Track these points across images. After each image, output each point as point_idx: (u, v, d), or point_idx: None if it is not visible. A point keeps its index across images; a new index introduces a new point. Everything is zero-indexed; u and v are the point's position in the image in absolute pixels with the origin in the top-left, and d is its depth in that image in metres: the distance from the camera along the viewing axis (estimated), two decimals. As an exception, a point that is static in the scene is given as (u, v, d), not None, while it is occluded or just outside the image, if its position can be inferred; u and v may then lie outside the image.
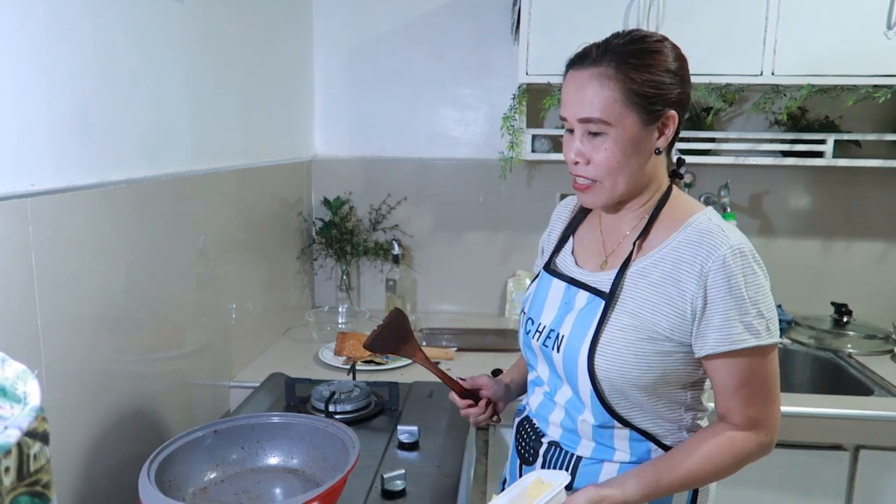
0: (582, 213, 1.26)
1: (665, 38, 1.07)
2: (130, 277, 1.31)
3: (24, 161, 1.04)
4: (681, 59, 1.08)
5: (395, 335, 1.30)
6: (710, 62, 1.94)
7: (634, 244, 1.10)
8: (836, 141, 2.08)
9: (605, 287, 1.10)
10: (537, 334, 1.17)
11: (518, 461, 1.25)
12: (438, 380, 1.30)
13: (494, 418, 1.35)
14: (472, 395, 1.32)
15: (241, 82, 1.85)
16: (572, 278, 1.16)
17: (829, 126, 2.20)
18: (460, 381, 1.33)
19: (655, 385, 1.06)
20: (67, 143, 1.14)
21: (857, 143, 2.15)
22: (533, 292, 1.24)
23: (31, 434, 0.48)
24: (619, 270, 1.09)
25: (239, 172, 1.83)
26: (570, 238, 1.24)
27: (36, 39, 1.06)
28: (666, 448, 1.10)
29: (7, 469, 0.44)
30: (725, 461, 1.05)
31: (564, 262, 1.22)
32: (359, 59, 2.42)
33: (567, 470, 1.14)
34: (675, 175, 1.17)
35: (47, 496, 0.49)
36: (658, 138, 1.07)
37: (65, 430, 1.12)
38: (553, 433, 1.18)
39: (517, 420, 1.29)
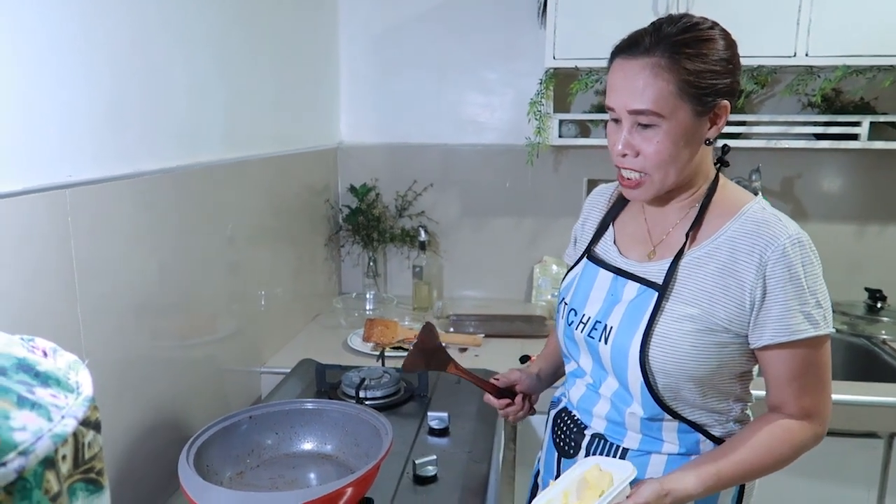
0: (622, 201, 1.23)
1: (716, 25, 1.04)
2: (164, 265, 1.33)
3: (63, 152, 1.06)
4: (732, 46, 1.04)
5: (427, 352, 1.31)
6: (741, 43, 1.86)
7: (687, 235, 1.08)
8: (871, 123, 2.03)
9: (657, 278, 1.08)
10: (581, 325, 1.15)
11: (556, 454, 1.23)
12: (467, 366, 1.31)
13: (532, 412, 1.35)
14: (507, 392, 1.31)
15: (269, 70, 1.86)
16: (620, 269, 1.14)
17: (864, 108, 2.14)
18: (494, 381, 1.31)
19: (710, 376, 1.05)
20: (104, 134, 1.16)
21: (893, 125, 2.10)
22: (575, 282, 1.20)
23: (85, 423, 0.49)
24: (672, 261, 1.07)
25: (267, 160, 1.85)
26: (611, 227, 1.21)
27: (75, 33, 1.07)
28: (714, 439, 1.09)
29: (64, 457, 0.45)
30: (784, 452, 1.04)
31: (607, 251, 1.19)
32: (384, 45, 2.42)
33: None
34: (721, 163, 1.13)
35: (101, 483, 0.51)
36: (709, 129, 1.04)
37: (105, 418, 1.14)
38: (597, 425, 1.16)
39: (553, 413, 1.28)
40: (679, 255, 1.07)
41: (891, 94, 2.09)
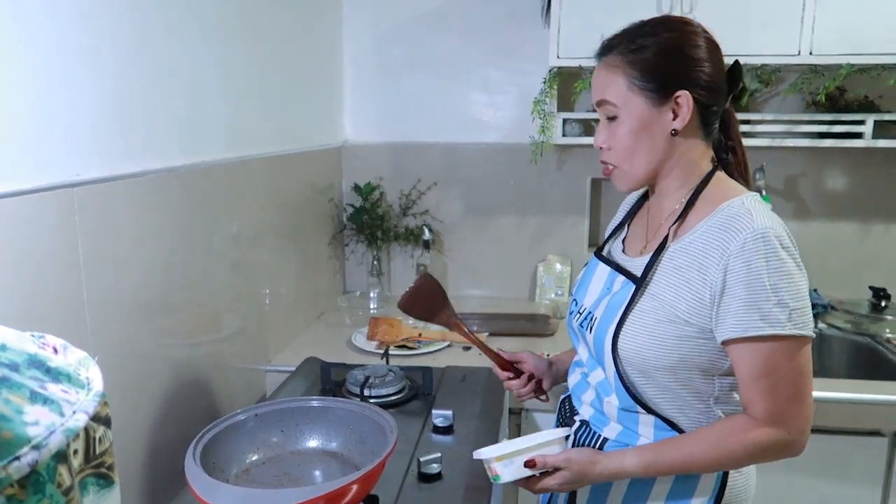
0: (641, 200, 1.28)
1: (688, 21, 1.10)
2: (170, 264, 1.34)
3: (70, 151, 1.07)
4: (690, 37, 1.07)
5: (427, 300, 1.31)
6: (745, 42, 1.90)
7: (670, 229, 1.10)
8: (875, 121, 2.03)
9: (639, 271, 1.12)
10: (578, 315, 1.21)
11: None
12: (471, 364, 1.31)
13: (542, 397, 1.37)
14: (512, 368, 1.35)
15: (273, 69, 1.87)
16: (615, 263, 1.19)
17: (868, 106, 2.14)
18: (500, 353, 1.34)
19: (675, 369, 1.05)
20: (110, 134, 1.16)
21: (897, 123, 2.09)
22: (582, 275, 1.28)
23: (95, 418, 0.49)
24: (652, 255, 1.10)
25: (271, 159, 1.85)
26: (626, 225, 1.28)
27: (80, 34, 1.08)
28: None
29: (76, 452, 0.46)
30: (734, 449, 1.03)
31: (614, 247, 1.26)
32: (388, 43, 2.42)
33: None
34: (718, 161, 1.15)
35: (112, 478, 0.51)
36: (673, 119, 1.07)
37: (112, 415, 1.15)
38: (585, 413, 1.20)
39: (562, 397, 1.32)
40: (661, 249, 1.10)
41: (895, 92, 2.09)
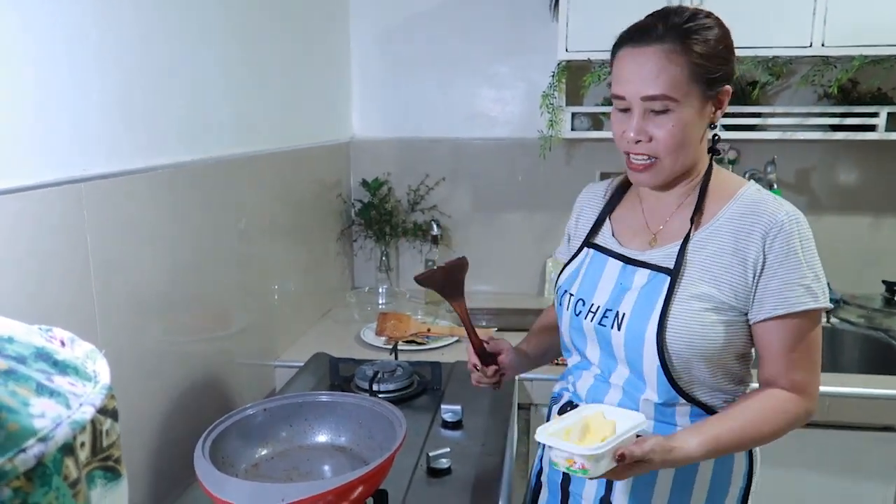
0: (617, 197, 1.25)
1: (712, 14, 1.08)
2: (177, 259, 1.34)
3: (77, 147, 1.07)
4: (728, 33, 1.09)
5: (448, 280, 1.28)
6: (756, 34, 1.88)
7: (692, 220, 1.10)
8: (889, 114, 2.00)
9: (667, 263, 1.10)
10: (591, 315, 1.15)
11: None
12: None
13: (497, 386, 1.32)
14: (489, 357, 1.29)
15: (279, 65, 1.87)
16: (629, 257, 1.15)
17: (881, 98, 2.11)
18: (485, 343, 1.29)
19: (719, 356, 1.08)
20: (118, 129, 1.16)
21: (911, 115, 2.07)
22: (581, 272, 1.21)
23: (102, 411, 0.49)
24: (681, 246, 1.09)
25: (279, 155, 1.85)
26: (607, 221, 1.24)
27: (87, 30, 1.08)
28: None
29: (82, 444, 0.46)
30: (778, 422, 1.06)
31: (607, 242, 1.21)
32: (395, 39, 2.41)
33: None
34: (713, 152, 1.16)
35: (119, 471, 0.51)
36: (714, 112, 1.08)
37: (120, 410, 1.15)
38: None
39: (555, 408, 1.27)
40: (686, 240, 1.10)
41: (909, 84, 2.06)
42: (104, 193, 1.11)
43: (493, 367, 1.28)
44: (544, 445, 1.30)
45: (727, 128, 2.09)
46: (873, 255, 2.29)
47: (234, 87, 1.59)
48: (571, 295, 1.20)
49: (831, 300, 2.21)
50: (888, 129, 2.01)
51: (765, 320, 1.05)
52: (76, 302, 1.05)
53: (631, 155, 1.09)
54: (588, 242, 1.23)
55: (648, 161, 1.08)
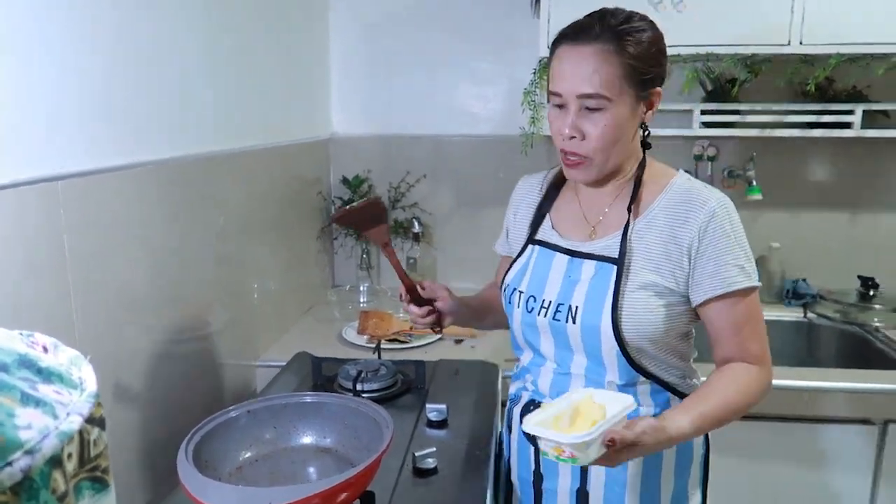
0: (554, 190, 1.28)
1: (646, 17, 1.12)
2: (156, 258, 1.31)
3: (53, 144, 1.04)
4: (662, 36, 1.12)
5: (366, 218, 1.29)
6: (735, 32, 1.90)
7: (630, 210, 1.14)
8: (864, 111, 2.04)
9: (612, 252, 1.14)
10: (543, 310, 1.18)
11: (531, 448, 1.25)
12: (464, 357, 1.30)
13: (436, 328, 1.35)
14: (423, 301, 1.31)
15: (259, 61, 1.84)
16: (574, 250, 1.19)
17: (857, 96, 2.15)
18: (419, 286, 1.31)
19: (665, 337, 1.13)
20: (95, 126, 1.14)
21: (885, 113, 2.10)
22: (529, 269, 1.23)
23: (89, 420, 0.48)
24: (622, 235, 1.13)
25: (259, 152, 1.82)
26: (547, 215, 1.26)
27: (63, 25, 1.05)
28: (681, 396, 1.17)
29: (70, 455, 0.44)
30: (752, 391, 1.10)
31: (548, 236, 1.24)
32: (376, 35, 2.39)
33: None
34: (645, 146, 1.20)
35: (106, 481, 0.49)
36: (645, 113, 1.12)
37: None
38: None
39: (517, 408, 1.29)
40: (626, 229, 1.14)
41: (883, 82, 2.09)
42: (82, 191, 1.08)
43: (426, 308, 1.30)
44: (509, 447, 1.32)
45: (706, 125, 2.10)
46: (849, 250, 2.33)
47: (215, 82, 1.57)
48: (521, 292, 1.22)
49: (809, 295, 2.25)
50: (864, 126, 2.04)
51: (706, 302, 1.11)
52: (53, 303, 1.02)
53: (566, 153, 1.12)
54: (531, 239, 1.26)
55: (579, 159, 1.12)
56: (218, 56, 1.58)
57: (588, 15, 1.11)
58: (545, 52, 2.01)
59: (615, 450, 0.95)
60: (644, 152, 1.19)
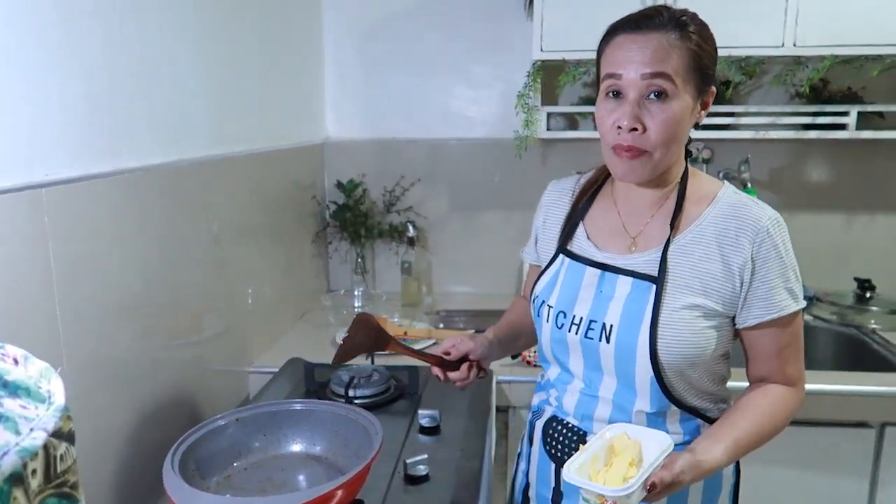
0: (588, 196, 1.20)
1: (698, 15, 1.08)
2: (148, 265, 1.30)
3: (37, 151, 1.03)
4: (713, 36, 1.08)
5: (365, 340, 1.23)
6: (729, 34, 1.87)
7: (672, 224, 1.08)
8: (859, 112, 2.03)
9: (650, 269, 1.07)
10: (574, 327, 1.11)
11: (552, 464, 1.20)
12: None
13: (481, 374, 1.28)
14: (456, 364, 1.25)
15: (252, 65, 1.83)
16: (606, 264, 1.11)
17: (851, 97, 2.14)
18: (444, 357, 1.25)
19: (708, 360, 1.07)
20: (81, 132, 1.13)
21: (880, 114, 2.09)
22: (559, 281, 1.16)
23: (56, 434, 0.47)
24: (663, 251, 1.07)
25: (253, 157, 1.82)
26: (581, 224, 1.18)
27: (45, 27, 1.04)
28: (710, 421, 1.10)
29: (34, 472, 0.43)
30: (784, 415, 1.07)
31: (583, 247, 1.16)
32: (369, 38, 2.39)
33: None
34: (687, 153, 1.14)
35: (75, 497, 0.48)
36: (700, 112, 1.07)
37: (86, 421, 1.12)
38: (601, 430, 1.12)
39: (539, 423, 1.23)
40: (666, 245, 1.07)
41: (878, 83, 2.09)
42: (67, 198, 1.07)
43: (464, 367, 1.24)
44: (528, 460, 1.27)
45: (701, 127, 2.09)
46: (845, 252, 2.32)
47: (207, 86, 1.56)
48: (550, 307, 1.15)
49: (806, 297, 2.25)
50: (859, 127, 2.03)
51: (754, 326, 1.06)
52: (37, 311, 1.01)
53: (621, 147, 1.03)
54: (563, 249, 1.18)
55: (639, 152, 1.02)
56: (210, 60, 1.57)
57: (646, 7, 1.05)
58: (539, 55, 2.01)
59: (656, 492, 0.94)
60: (687, 161, 1.13)
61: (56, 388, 0.50)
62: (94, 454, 1.14)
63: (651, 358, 1.04)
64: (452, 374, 1.24)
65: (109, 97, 1.19)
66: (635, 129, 1.01)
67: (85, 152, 1.13)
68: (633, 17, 1.04)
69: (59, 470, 0.46)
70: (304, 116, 2.29)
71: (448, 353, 1.25)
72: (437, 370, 1.25)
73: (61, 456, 0.47)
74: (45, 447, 0.44)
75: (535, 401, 1.28)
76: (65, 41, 1.08)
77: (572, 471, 0.94)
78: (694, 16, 1.05)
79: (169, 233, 1.38)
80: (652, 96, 1.00)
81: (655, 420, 1.09)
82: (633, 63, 1.00)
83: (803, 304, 1.07)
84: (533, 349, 1.63)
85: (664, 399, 1.08)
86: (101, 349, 1.17)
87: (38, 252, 1.01)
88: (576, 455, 0.97)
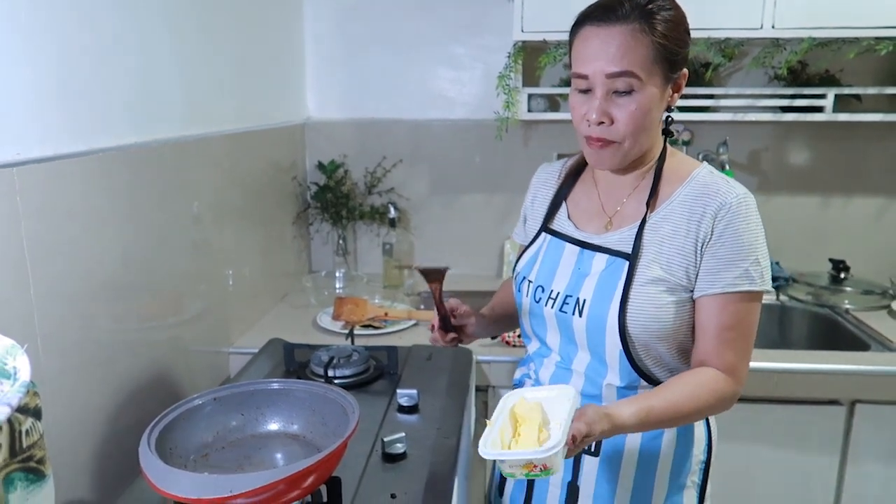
0: (573, 178, 1.25)
1: None
2: (125, 245, 1.29)
3: (8, 130, 1.02)
4: (685, 16, 1.08)
5: (439, 274, 1.27)
6: (709, 16, 1.90)
7: (648, 203, 1.11)
8: (836, 95, 2.05)
9: (624, 247, 1.10)
10: (551, 301, 1.15)
11: None
12: (438, 345, 1.29)
13: (454, 343, 1.31)
14: (451, 328, 1.29)
15: (230, 43, 1.81)
16: (585, 241, 1.15)
17: (829, 80, 2.16)
18: (451, 317, 1.28)
19: (674, 335, 1.09)
20: (53, 111, 1.11)
21: (857, 97, 2.12)
22: (539, 258, 1.21)
23: (22, 410, 0.47)
24: (637, 230, 1.10)
25: (231, 137, 1.80)
26: (564, 203, 1.23)
27: (16, 4, 1.02)
28: None
29: (-1, 446, 0.43)
30: (708, 399, 1.05)
31: (564, 227, 1.21)
32: (350, 18, 2.36)
33: None
34: (667, 133, 1.17)
35: (42, 471, 0.49)
36: (672, 96, 1.08)
37: (63, 401, 1.12)
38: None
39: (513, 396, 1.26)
40: (642, 224, 1.10)
41: (855, 66, 2.11)
42: (40, 178, 1.06)
43: (451, 335, 1.28)
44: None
45: (681, 109, 2.10)
46: (821, 233, 2.35)
47: (183, 65, 1.54)
48: (530, 282, 1.20)
49: (781, 279, 2.27)
50: (835, 110, 2.05)
51: (701, 297, 1.07)
52: (10, 293, 1.01)
53: (592, 139, 1.07)
54: (545, 227, 1.23)
55: (607, 143, 1.06)
56: (186, 38, 1.55)
57: None
58: (519, 36, 2.01)
59: (576, 445, 0.94)
60: (666, 142, 1.15)
61: (21, 365, 0.50)
62: (70, 433, 1.14)
63: (620, 332, 1.07)
64: (438, 335, 1.28)
65: (82, 76, 1.18)
66: (603, 122, 1.05)
67: (58, 132, 1.12)
68: (595, 8, 1.05)
69: (24, 445, 0.46)
70: (285, 96, 2.27)
71: (454, 316, 1.28)
72: (437, 322, 1.28)
73: (27, 431, 0.47)
74: (10, 422, 0.45)
75: (518, 374, 1.32)
76: (36, 19, 1.06)
77: (488, 447, 0.92)
78: (662, 3, 1.04)
79: (146, 213, 1.37)
80: (615, 93, 1.03)
81: (625, 394, 1.12)
82: (597, 61, 1.02)
83: (760, 287, 1.05)
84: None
85: (633, 373, 1.10)
86: (78, 329, 1.16)
87: (11, 232, 1.00)
88: (486, 432, 0.96)
